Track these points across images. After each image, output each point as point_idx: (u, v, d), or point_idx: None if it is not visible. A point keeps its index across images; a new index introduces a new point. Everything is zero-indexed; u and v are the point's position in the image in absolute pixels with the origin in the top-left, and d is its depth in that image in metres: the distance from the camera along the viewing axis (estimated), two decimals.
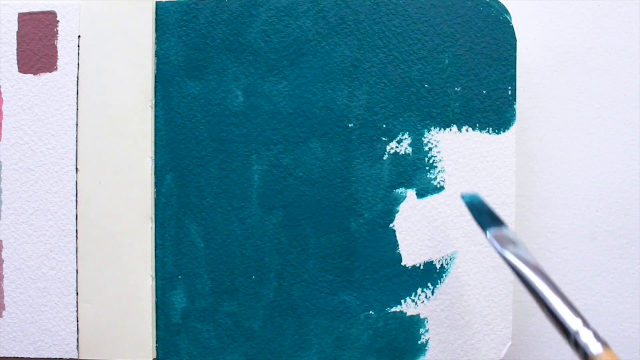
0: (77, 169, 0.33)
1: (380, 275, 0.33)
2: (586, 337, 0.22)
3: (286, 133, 0.33)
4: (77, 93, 0.33)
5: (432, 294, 0.33)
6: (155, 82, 0.34)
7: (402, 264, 0.33)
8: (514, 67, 0.33)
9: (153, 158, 0.33)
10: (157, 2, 0.34)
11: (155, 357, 0.33)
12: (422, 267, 0.33)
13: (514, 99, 0.33)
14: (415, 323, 0.33)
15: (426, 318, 0.33)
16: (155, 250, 0.34)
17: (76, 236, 0.33)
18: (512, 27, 0.33)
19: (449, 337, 0.33)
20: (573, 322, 0.23)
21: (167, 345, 0.34)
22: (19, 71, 0.34)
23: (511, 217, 0.33)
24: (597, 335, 0.23)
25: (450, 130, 0.33)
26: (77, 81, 0.33)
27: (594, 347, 0.22)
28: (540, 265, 0.25)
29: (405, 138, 0.33)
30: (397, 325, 0.33)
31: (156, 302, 0.34)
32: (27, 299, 0.34)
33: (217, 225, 0.33)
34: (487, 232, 0.28)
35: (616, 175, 0.36)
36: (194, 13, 0.33)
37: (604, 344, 0.22)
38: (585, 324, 0.23)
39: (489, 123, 0.33)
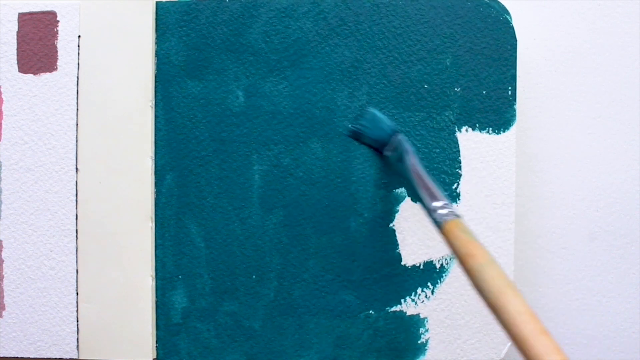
0: (77, 169, 0.33)
1: (380, 275, 0.33)
2: (442, 212, 0.27)
3: (286, 133, 0.33)
4: (77, 93, 0.33)
5: (432, 293, 0.33)
6: (155, 82, 0.34)
7: (402, 263, 0.33)
8: (514, 67, 0.33)
9: (153, 158, 0.33)
10: (157, 2, 0.34)
11: (155, 357, 0.33)
12: (422, 267, 0.33)
13: (514, 99, 0.33)
14: (415, 323, 0.33)
15: (426, 318, 0.33)
16: (155, 250, 0.34)
17: (76, 236, 0.33)
18: (512, 28, 0.33)
19: (449, 337, 0.33)
20: (434, 202, 0.28)
21: (167, 345, 0.34)
22: (19, 71, 0.34)
23: (511, 217, 0.33)
24: (452, 212, 0.26)
25: (451, 130, 0.33)
26: (77, 81, 0.33)
27: (445, 217, 0.26)
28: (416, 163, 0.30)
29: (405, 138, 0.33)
30: (397, 324, 0.33)
31: (156, 302, 0.34)
32: (27, 299, 0.34)
33: (217, 225, 0.33)
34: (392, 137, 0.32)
35: (616, 175, 0.36)
36: (194, 13, 0.33)
37: (457, 216, 0.26)
38: (446, 205, 0.27)
39: (489, 123, 0.33)
